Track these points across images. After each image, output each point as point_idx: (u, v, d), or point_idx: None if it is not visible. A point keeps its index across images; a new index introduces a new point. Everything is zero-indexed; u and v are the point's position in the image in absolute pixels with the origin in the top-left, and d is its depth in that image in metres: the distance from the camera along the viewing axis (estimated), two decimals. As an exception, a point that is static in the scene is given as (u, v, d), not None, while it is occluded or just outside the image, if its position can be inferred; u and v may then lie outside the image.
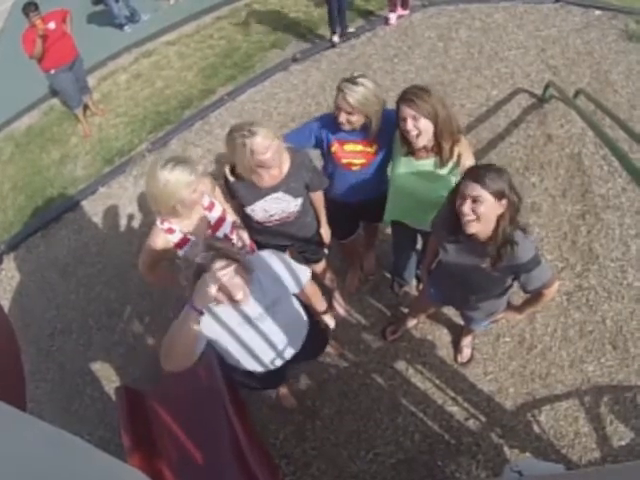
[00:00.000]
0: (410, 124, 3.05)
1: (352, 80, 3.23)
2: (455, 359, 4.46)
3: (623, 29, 6.52)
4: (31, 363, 5.33)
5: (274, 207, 3.53)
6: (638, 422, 3.95)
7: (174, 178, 2.95)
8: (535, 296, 3.05)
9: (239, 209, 3.63)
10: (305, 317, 3.30)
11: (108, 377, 5.18)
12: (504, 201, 2.57)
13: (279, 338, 3.01)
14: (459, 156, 3.19)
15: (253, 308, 2.77)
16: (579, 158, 5.40)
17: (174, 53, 8.80)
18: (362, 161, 3.58)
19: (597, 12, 6.82)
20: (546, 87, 5.85)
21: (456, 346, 4.49)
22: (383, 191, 3.74)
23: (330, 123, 3.52)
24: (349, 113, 3.29)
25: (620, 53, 6.27)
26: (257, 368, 3.11)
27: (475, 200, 2.58)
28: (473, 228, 2.67)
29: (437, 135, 3.10)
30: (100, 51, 9.18)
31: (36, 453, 1.22)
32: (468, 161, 3.20)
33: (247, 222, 3.70)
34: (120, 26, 9.76)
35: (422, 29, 7.44)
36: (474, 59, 6.77)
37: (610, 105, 5.47)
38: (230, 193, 3.55)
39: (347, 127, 3.39)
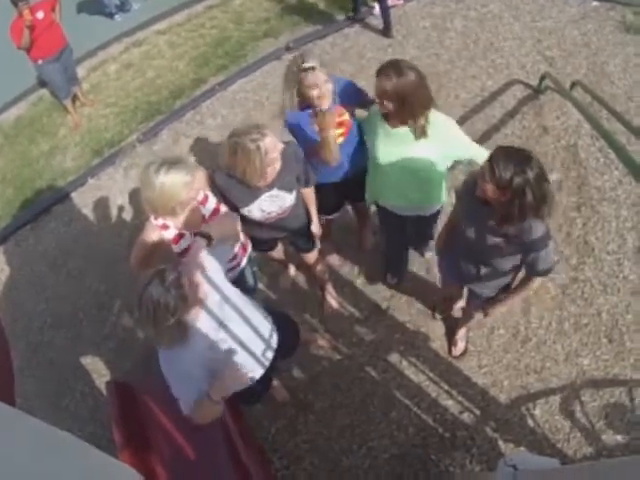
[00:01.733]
0: (381, 98, 3.15)
1: (301, 59, 3.32)
2: (449, 352, 4.45)
3: (620, 20, 6.46)
4: (20, 358, 5.25)
5: (270, 206, 3.50)
6: (633, 416, 3.95)
7: (170, 181, 2.90)
8: (523, 282, 3.21)
9: (232, 210, 3.57)
10: (257, 307, 3.27)
11: (99, 371, 5.14)
12: (507, 192, 2.65)
13: (250, 333, 3.01)
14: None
15: (215, 307, 2.77)
16: (575, 150, 5.36)
17: (165, 42, 8.69)
18: (342, 130, 3.61)
19: (594, 3, 6.75)
20: (542, 78, 5.80)
21: (450, 339, 4.47)
22: (365, 165, 3.80)
23: (299, 115, 3.58)
24: (325, 81, 3.35)
25: (617, 45, 6.22)
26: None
27: (484, 180, 2.71)
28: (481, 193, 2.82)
29: (411, 110, 3.18)
30: (90, 41, 9.03)
31: (26, 449, 1.19)
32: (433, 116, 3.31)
33: (242, 219, 3.65)
34: (110, 15, 9.61)
35: (417, 19, 7.36)
36: (469, 49, 6.70)
37: (607, 97, 5.44)
38: (222, 197, 3.50)
39: (326, 103, 3.42)
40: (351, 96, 3.61)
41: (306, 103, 3.46)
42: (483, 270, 3.26)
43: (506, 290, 3.39)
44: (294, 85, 3.35)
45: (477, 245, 3.09)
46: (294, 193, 3.57)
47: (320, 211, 4.15)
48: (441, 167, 3.48)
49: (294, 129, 3.68)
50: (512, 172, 2.58)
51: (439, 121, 3.30)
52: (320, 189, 3.96)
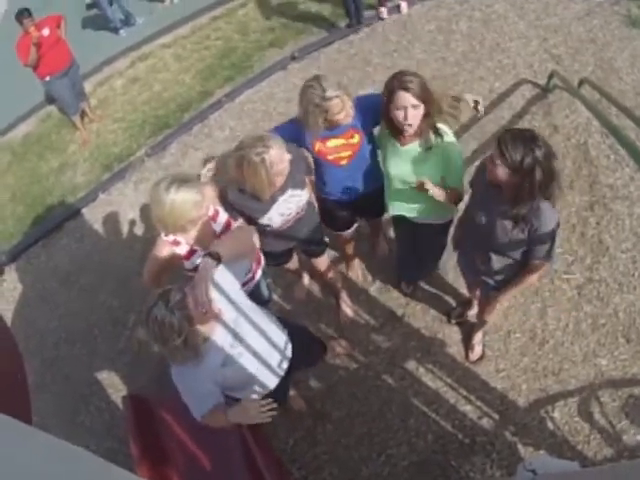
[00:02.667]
0: (411, 112, 3.06)
1: (321, 89, 3.19)
2: (466, 357, 4.41)
3: (626, 15, 6.40)
4: (35, 374, 5.26)
5: (288, 207, 3.49)
6: (654, 415, 3.89)
7: (181, 199, 2.89)
8: (522, 275, 3.22)
9: (249, 223, 3.56)
10: (272, 319, 3.27)
11: (114, 386, 5.15)
12: (519, 173, 2.70)
13: (266, 345, 3.02)
14: (438, 131, 3.24)
15: (231, 323, 2.78)
16: (585, 148, 5.31)
17: (170, 55, 8.73)
18: (348, 153, 3.56)
19: (598, -2, 6.72)
20: (550, 77, 5.76)
21: (467, 344, 4.44)
22: (379, 185, 3.78)
23: (300, 134, 3.53)
24: (348, 100, 3.29)
25: (624, 40, 6.16)
26: (260, 389, 3.12)
27: (493, 163, 2.77)
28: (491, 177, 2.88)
29: (428, 118, 3.15)
30: (95, 56, 9.11)
31: (43, 467, 1.17)
32: (447, 136, 3.28)
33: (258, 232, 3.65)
34: (115, 30, 9.68)
35: (422, 23, 7.34)
36: (475, 51, 6.68)
37: (615, 93, 5.40)
38: (238, 212, 3.48)
39: (349, 119, 3.38)
40: (368, 114, 3.47)
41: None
42: (493, 258, 3.26)
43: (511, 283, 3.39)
44: (320, 114, 3.27)
45: (487, 230, 3.10)
46: (306, 189, 3.58)
47: (331, 227, 4.20)
48: None
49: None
50: (522, 153, 2.63)
51: (453, 149, 3.30)
52: (330, 206, 3.98)
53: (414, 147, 3.29)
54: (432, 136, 3.21)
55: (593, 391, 4.08)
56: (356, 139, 3.50)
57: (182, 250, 3.20)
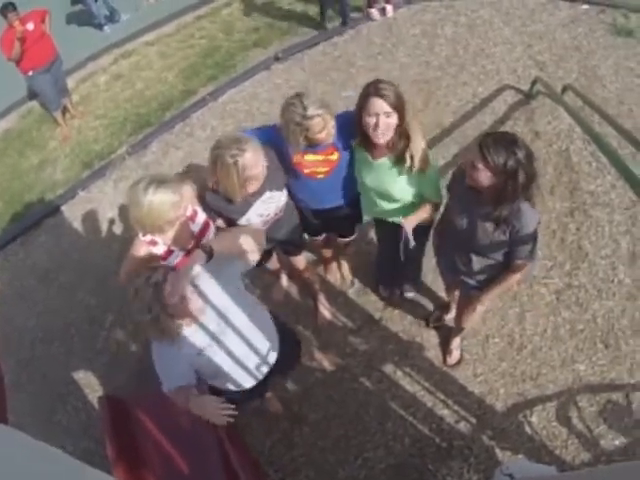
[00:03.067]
0: (382, 120, 3.04)
1: (302, 106, 3.14)
2: (444, 361, 4.41)
3: (611, 23, 6.45)
4: (12, 373, 5.15)
5: (267, 208, 3.48)
6: (631, 421, 3.92)
7: (159, 200, 2.84)
8: (504, 275, 3.20)
9: (228, 224, 3.53)
10: (270, 320, 3.26)
11: (91, 386, 5.11)
12: (502, 176, 2.71)
13: (245, 349, 2.99)
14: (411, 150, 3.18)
15: (212, 324, 2.76)
16: (567, 155, 5.34)
17: (154, 53, 8.70)
18: (326, 169, 3.52)
19: (584, 6, 6.73)
20: (533, 83, 5.78)
21: (444, 348, 4.44)
22: (353, 201, 3.78)
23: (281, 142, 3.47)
24: (330, 120, 3.23)
25: (608, 48, 6.19)
26: (233, 386, 3.12)
27: (474, 168, 2.77)
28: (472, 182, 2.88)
29: (401, 130, 3.13)
30: (79, 52, 9.04)
31: (19, 467, 1.16)
32: (419, 149, 3.20)
33: None
34: (99, 26, 9.64)
35: (407, 26, 7.34)
36: (459, 56, 6.68)
37: (598, 100, 5.42)
38: (216, 213, 3.44)
39: (331, 138, 3.32)
40: (349, 131, 3.39)
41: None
42: (474, 259, 3.26)
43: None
44: (301, 132, 3.20)
45: (468, 233, 3.11)
46: (285, 190, 3.57)
47: (304, 230, 4.16)
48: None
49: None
50: (505, 156, 2.64)
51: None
52: (302, 212, 3.95)
53: (386, 161, 3.27)
54: (403, 151, 3.17)
55: (571, 396, 4.09)
56: (335, 156, 3.46)
57: (159, 250, 3.16)
